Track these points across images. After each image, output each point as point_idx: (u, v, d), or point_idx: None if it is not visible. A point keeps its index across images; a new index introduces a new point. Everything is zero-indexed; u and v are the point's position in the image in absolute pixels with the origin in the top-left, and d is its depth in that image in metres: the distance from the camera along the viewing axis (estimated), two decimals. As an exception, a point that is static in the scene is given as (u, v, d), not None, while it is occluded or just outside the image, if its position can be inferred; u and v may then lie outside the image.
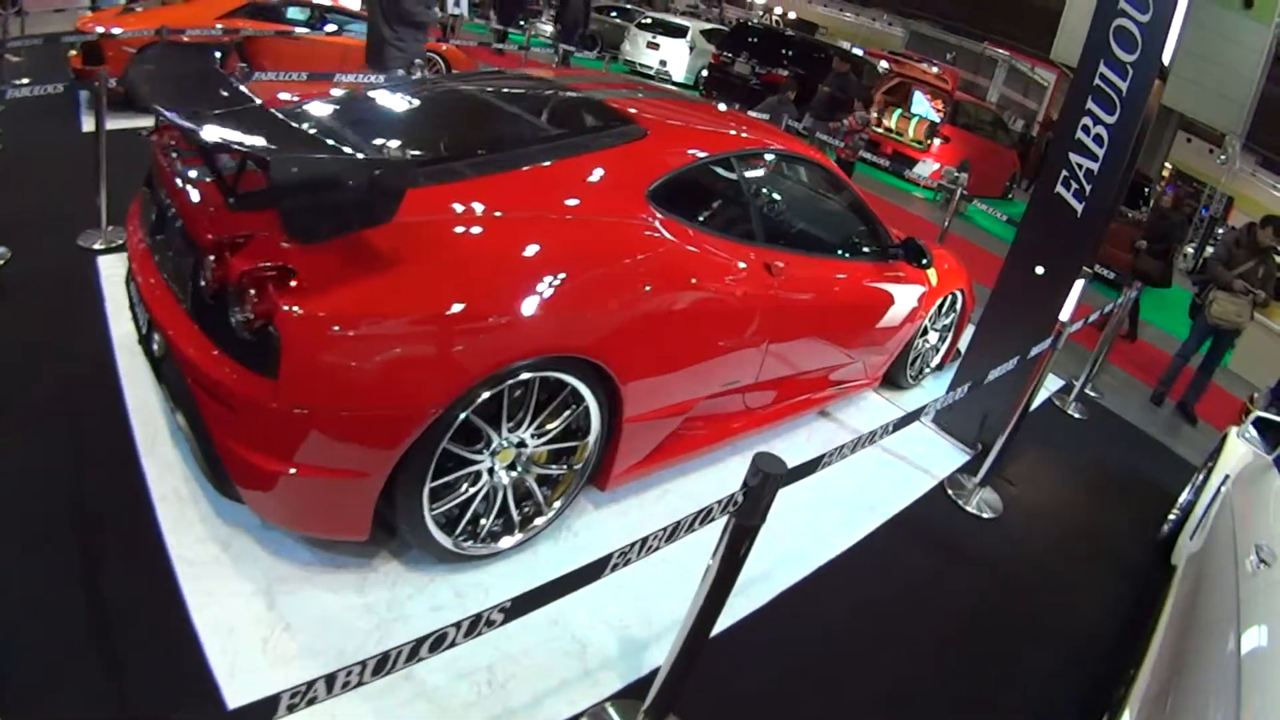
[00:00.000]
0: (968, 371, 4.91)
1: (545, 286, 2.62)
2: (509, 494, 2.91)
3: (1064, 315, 4.45)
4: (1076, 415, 6.50)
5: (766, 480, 1.93)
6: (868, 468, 4.43)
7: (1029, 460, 5.28)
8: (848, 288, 4.28)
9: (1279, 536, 2.93)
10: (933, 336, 5.47)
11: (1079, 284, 4.47)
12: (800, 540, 3.68)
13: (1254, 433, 4.07)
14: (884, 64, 18.21)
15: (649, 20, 19.80)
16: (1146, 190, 15.22)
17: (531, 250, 2.68)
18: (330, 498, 2.47)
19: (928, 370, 5.69)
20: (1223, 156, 17.90)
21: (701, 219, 3.50)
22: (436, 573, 2.86)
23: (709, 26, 20.68)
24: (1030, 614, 3.85)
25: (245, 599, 2.56)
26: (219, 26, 8.08)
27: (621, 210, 3.09)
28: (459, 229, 2.60)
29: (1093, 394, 7.01)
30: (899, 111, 15.99)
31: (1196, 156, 21.23)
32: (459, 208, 2.66)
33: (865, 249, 4.52)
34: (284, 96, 3.56)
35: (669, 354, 3.19)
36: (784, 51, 17.99)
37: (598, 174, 3.13)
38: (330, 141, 2.70)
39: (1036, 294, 4.61)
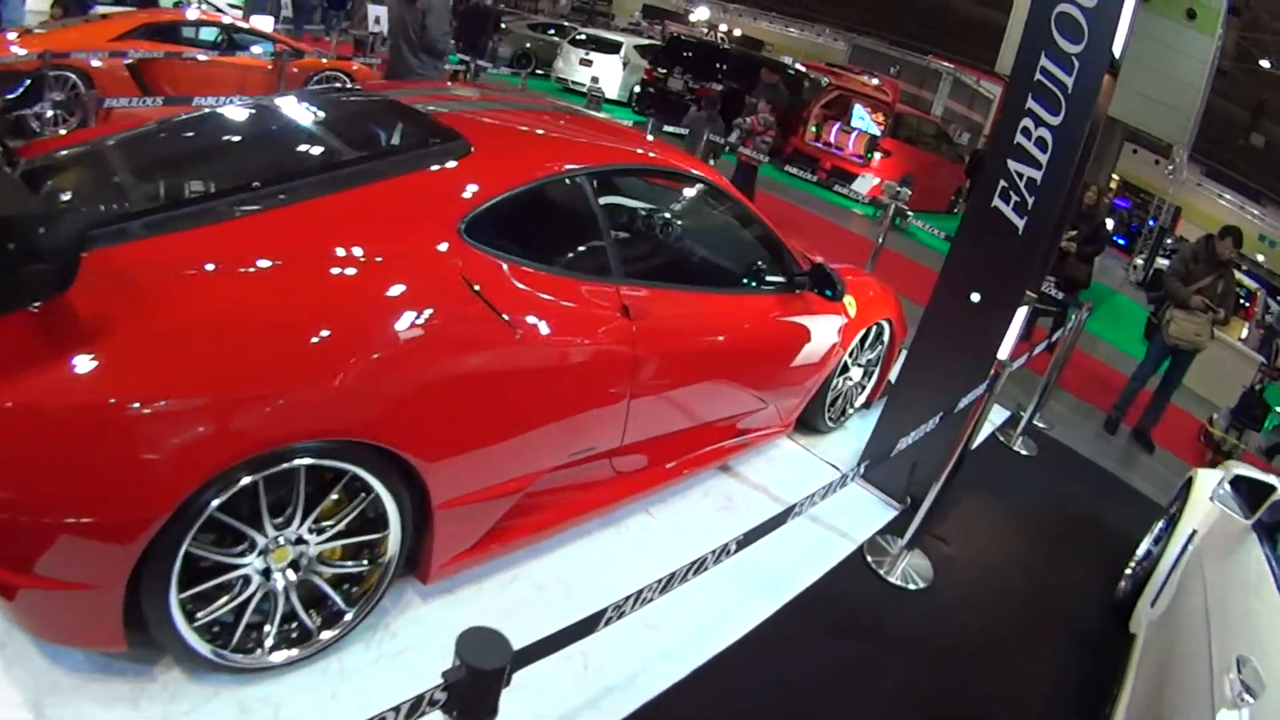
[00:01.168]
0: (893, 416, 4.31)
1: (301, 354, 2.17)
2: (294, 597, 2.41)
3: (1004, 351, 3.87)
4: (1023, 451, 5.95)
5: (471, 677, 1.19)
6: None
7: (967, 510, 4.71)
8: (737, 325, 3.68)
9: (1269, 652, 2.37)
10: (856, 373, 4.84)
11: (1021, 312, 3.89)
12: (677, 632, 3.07)
13: (1227, 489, 3.43)
14: (825, 79, 17.86)
15: (583, 37, 19.46)
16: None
17: (285, 308, 2.21)
18: (67, 610, 2.09)
19: (851, 410, 5.06)
20: (1170, 167, 17.87)
21: (536, 254, 2.86)
22: (221, 684, 2.41)
23: (644, 42, 20.46)
24: (966, 705, 3.38)
25: (14, 709, 2.25)
26: (130, 52, 7.90)
27: (422, 249, 2.54)
28: (198, 286, 2.16)
29: (1041, 425, 6.48)
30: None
31: (1143, 168, 21.36)
32: (205, 258, 2.20)
33: (764, 279, 3.91)
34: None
35: (487, 425, 2.63)
36: (719, 66, 17.64)
37: (395, 205, 2.60)
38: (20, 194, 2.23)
39: (972, 324, 4.00)
